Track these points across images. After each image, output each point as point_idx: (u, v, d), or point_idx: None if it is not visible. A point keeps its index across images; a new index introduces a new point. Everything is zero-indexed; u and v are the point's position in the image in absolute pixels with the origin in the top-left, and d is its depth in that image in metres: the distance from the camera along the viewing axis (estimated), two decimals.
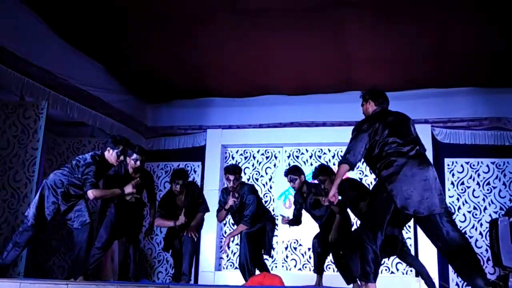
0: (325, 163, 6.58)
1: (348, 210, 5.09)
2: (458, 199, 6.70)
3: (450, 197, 6.65)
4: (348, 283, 4.99)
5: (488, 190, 6.67)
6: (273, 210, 7.02)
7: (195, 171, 7.53)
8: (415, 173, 3.41)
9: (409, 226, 6.50)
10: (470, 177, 6.75)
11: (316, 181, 5.18)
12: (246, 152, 7.57)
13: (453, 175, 6.79)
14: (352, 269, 4.40)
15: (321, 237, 5.24)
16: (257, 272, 5.19)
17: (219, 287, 5.55)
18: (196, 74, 6.93)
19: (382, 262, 5.72)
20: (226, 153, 7.60)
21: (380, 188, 3.50)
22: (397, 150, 3.49)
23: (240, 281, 5.21)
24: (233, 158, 7.56)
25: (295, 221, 5.53)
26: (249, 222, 5.11)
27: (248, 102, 7.48)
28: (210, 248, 7.10)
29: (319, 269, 5.30)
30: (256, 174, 7.47)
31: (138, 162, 4.76)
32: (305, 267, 6.96)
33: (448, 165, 6.83)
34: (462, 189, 6.74)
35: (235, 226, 5.54)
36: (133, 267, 4.98)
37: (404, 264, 5.68)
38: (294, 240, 7.09)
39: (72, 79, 5.88)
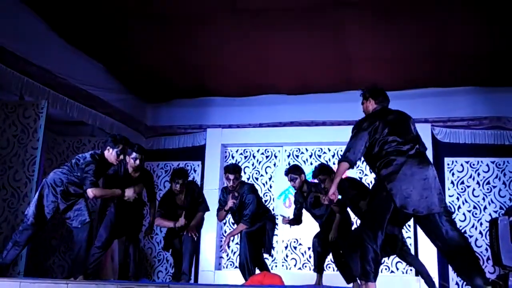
0: (325, 163, 6.59)
1: (348, 209, 5.09)
2: (458, 198, 6.70)
3: (450, 196, 6.65)
4: (348, 282, 4.99)
5: (488, 189, 6.67)
6: (273, 210, 7.02)
7: (195, 171, 7.53)
8: (414, 172, 3.41)
9: (409, 225, 6.50)
10: (470, 177, 6.75)
11: (316, 181, 5.18)
12: (246, 152, 7.57)
13: (453, 174, 6.79)
14: (352, 268, 4.39)
15: (321, 236, 5.24)
16: (257, 271, 5.19)
17: (219, 286, 5.54)
18: (196, 74, 6.93)
19: (382, 261, 5.71)
20: (226, 152, 7.60)
21: (379, 187, 3.50)
22: (397, 149, 3.48)
23: (240, 280, 5.21)
24: (233, 157, 7.56)
25: (296, 220, 5.52)
26: (249, 221, 5.11)
27: (248, 102, 7.48)
28: (210, 247, 7.09)
29: (319, 268, 5.30)
30: (256, 173, 7.47)
31: (138, 161, 4.75)
32: (305, 266, 6.96)
33: (448, 164, 6.83)
34: (462, 189, 6.74)
35: (235, 225, 5.54)
36: (133, 267, 4.98)
37: (404, 263, 5.68)
38: (294, 239, 7.09)
39: (72, 79, 5.88)
